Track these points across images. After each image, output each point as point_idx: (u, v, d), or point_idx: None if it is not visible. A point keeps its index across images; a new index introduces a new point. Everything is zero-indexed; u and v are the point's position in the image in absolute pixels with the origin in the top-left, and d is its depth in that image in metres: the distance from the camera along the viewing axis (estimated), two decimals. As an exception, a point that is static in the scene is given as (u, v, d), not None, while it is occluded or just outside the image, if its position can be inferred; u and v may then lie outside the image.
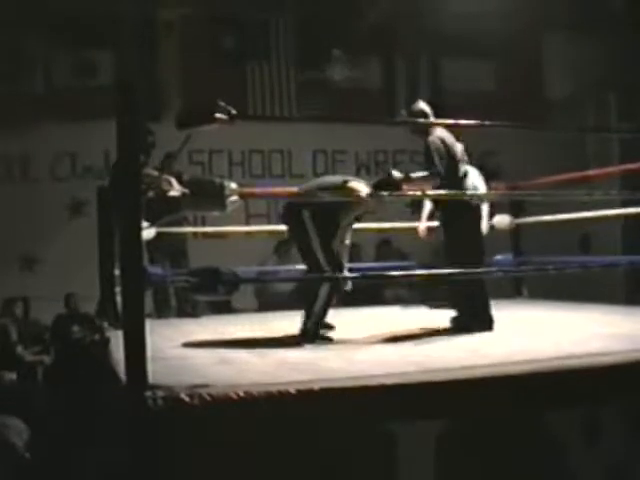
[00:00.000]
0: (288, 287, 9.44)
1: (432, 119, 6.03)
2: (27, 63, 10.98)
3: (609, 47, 11.36)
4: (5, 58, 10.87)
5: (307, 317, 5.41)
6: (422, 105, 6.06)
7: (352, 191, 5.41)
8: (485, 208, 7.81)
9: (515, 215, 8.38)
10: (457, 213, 5.75)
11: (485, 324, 5.69)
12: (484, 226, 7.73)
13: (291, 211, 5.56)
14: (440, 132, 5.89)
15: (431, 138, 5.83)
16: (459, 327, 5.73)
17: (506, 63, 12.35)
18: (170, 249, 7.67)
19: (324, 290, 5.37)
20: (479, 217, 6.22)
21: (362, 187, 5.51)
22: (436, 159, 5.75)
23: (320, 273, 5.32)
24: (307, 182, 6.15)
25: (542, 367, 3.93)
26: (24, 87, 10.93)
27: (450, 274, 5.28)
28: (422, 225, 7.30)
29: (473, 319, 5.75)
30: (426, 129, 5.90)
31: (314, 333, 5.38)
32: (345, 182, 5.55)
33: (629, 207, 7.72)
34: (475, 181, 6.88)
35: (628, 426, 4.06)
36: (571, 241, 10.92)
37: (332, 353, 4.81)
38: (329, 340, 5.40)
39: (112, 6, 9.93)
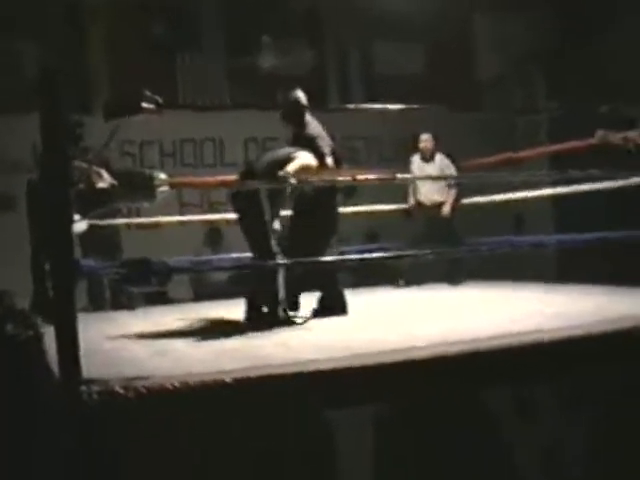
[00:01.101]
0: (224, 276, 9.42)
1: (306, 109, 6.06)
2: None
3: (536, 24, 11.51)
4: None
5: (273, 304, 5.46)
6: (299, 94, 6.09)
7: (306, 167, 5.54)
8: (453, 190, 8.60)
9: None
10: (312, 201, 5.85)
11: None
12: (447, 208, 8.53)
13: (248, 190, 5.54)
14: (314, 124, 6.02)
15: (311, 127, 5.99)
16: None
17: (435, 45, 12.42)
18: (103, 241, 7.58)
19: (281, 276, 5.43)
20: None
21: (311, 158, 5.57)
22: (324, 146, 5.92)
23: (268, 255, 5.33)
24: (252, 161, 6.05)
25: (473, 347, 3.97)
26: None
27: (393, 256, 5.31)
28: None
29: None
30: (300, 118, 5.99)
31: (287, 317, 5.50)
32: (292, 155, 5.61)
33: (558, 187, 7.84)
34: None
35: (560, 404, 4.13)
36: (505, 223, 11.06)
37: (268, 340, 4.81)
38: (299, 322, 5.52)
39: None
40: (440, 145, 8.76)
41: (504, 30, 12.05)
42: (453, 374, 3.79)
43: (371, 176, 6.12)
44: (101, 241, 7.56)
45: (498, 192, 8.31)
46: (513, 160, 8.24)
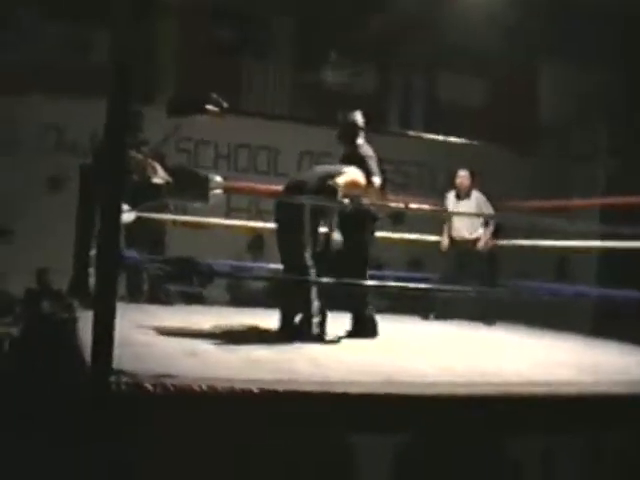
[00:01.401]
0: (261, 284, 9.42)
1: (362, 131, 6.10)
2: (21, 33, 10.91)
3: (604, 79, 11.44)
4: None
5: (308, 318, 5.46)
6: (356, 116, 6.13)
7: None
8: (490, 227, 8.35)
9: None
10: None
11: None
12: (482, 244, 8.27)
13: (292, 204, 5.56)
14: (366, 146, 6.08)
15: (364, 149, 6.03)
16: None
17: (500, 83, 12.39)
18: (148, 235, 7.63)
19: (314, 292, 5.45)
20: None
21: (360, 175, 5.65)
22: (374, 167, 5.93)
23: (301, 268, 5.35)
24: (301, 173, 6.08)
25: (502, 391, 3.94)
26: (16, 57, 10.85)
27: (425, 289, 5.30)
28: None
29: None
30: (353, 138, 6.04)
31: (321, 332, 5.52)
32: (341, 170, 5.66)
33: (606, 240, 7.78)
34: None
35: (582, 457, 4.07)
36: (548, 264, 10.99)
37: (299, 355, 4.81)
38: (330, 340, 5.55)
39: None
40: (477, 182, 8.53)
41: (571, 77, 12.00)
42: (478, 414, 3.76)
43: (423, 206, 6.12)
44: (145, 234, 7.61)
45: (546, 237, 8.21)
46: (565, 207, 8.18)
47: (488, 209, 8.25)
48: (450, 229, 8.46)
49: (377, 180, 5.91)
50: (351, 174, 5.68)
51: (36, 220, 10.32)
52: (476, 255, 8.34)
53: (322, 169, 5.85)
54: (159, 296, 7.61)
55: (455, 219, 8.42)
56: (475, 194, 8.35)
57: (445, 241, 8.43)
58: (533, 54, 12.16)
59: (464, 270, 8.23)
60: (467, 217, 8.39)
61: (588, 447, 4.04)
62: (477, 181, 8.55)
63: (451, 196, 8.49)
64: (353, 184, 5.64)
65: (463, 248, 8.35)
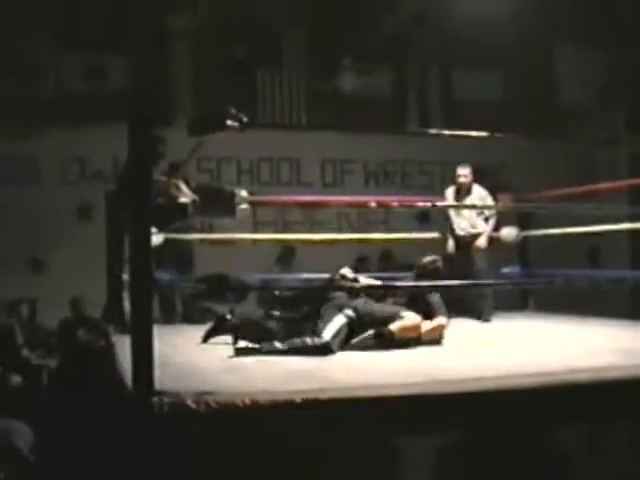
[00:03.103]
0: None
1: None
2: (37, 66, 11.02)
3: (622, 58, 11.39)
4: (15, 61, 10.92)
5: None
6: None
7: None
8: (491, 222, 8.01)
9: (522, 227, 8.35)
10: None
11: None
12: (483, 240, 7.93)
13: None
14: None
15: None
16: None
17: (516, 74, 12.37)
18: (177, 255, 7.67)
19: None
20: None
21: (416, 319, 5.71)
22: None
23: None
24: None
25: (548, 381, 3.92)
26: (34, 90, 10.96)
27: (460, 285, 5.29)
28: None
29: None
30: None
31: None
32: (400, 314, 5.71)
33: (637, 222, 7.70)
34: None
35: (630, 443, 4.03)
36: (579, 253, 10.92)
37: (338, 363, 4.81)
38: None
39: (123, 10, 9.96)
40: (480, 177, 8.20)
41: (587, 60, 11.95)
42: (523, 407, 3.74)
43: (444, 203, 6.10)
44: (174, 255, 7.64)
45: (575, 224, 8.13)
46: (592, 192, 8.09)
47: (489, 201, 7.95)
48: (452, 229, 8.12)
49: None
50: (407, 320, 5.66)
51: (68, 250, 10.41)
52: (479, 251, 7.96)
53: (381, 309, 5.80)
54: (193, 315, 7.64)
55: (454, 217, 8.11)
56: (476, 189, 8.02)
57: (450, 242, 8.11)
58: (550, 38, 12.11)
59: (465, 268, 7.77)
60: (468, 213, 8.05)
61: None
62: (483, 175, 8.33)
63: (450, 192, 8.14)
64: (407, 330, 5.62)
65: (467, 245, 8.01)
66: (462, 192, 8.04)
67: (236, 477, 3.31)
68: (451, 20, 10.96)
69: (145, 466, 3.32)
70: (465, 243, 8.03)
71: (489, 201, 7.94)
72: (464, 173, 8.05)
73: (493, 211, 8.07)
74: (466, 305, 7.81)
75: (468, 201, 7.95)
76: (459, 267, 7.66)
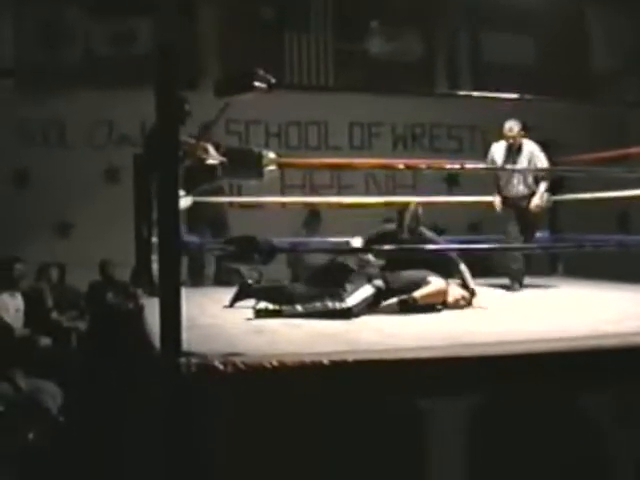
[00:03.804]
0: (321, 259, 9.42)
1: None
2: (65, 30, 11.02)
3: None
4: (43, 25, 10.93)
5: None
6: None
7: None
8: (543, 184, 7.59)
9: (553, 192, 8.19)
10: None
11: None
12: (537, 201, 7.53)
13: None
14: None
15: None
16: None
17: (547, 37, 12.23)
18: (210, 218, 7.70)
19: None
20: None
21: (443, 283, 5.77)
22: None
23: None
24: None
25: (577, 346, 3.90)
26: (62, 54, 10.98)
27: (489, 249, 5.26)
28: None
29: None
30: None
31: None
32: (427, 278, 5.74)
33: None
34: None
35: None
36: (610, 219, 10.85)
37: (366, 325, 4.81)
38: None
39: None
40: (530, 132, 7.81)
41: (618, 23, 11.79)
42: (548, 372, 3.72)
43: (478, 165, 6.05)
44: (208, 217, 7.67)
45: (606, 189, 8.04)
46: (624, 156, 7.99)
47: (542, 162, 7.54)
48: (500, 187, 7.74)
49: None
50: (434, 285, 5.69)
51: (96, 213, 10.47)
52: (533, 213, 7.61)
53: (408, 275, 5.78)
54: (223, 278, 7.66)
55: (504, 174, 7.72)
56: (527, 145, 7.60)
57: (497, 200, 7.71)
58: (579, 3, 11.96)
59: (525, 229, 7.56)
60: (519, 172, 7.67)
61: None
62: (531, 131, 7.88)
63: (499, 149, 7.68)
64: (432, 296, 5.68)
65: (519, 206, 7.63)
66: (513, 149, 7.61)
67: (263, 439, 3.32)
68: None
69: (173, 427, 3.34)
70: (515, 203, 7.66)
71: (541, 158, 7.52)
72: (508, 127, 7.60)
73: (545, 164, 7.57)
74: (503, 268, 7.72)
75: (517, 159, 7.54)
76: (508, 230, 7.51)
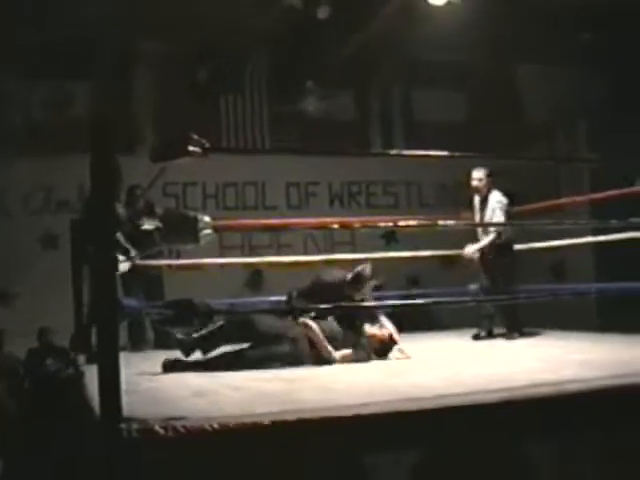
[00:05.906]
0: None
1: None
2: (1, 96, 10.97)
3: (579, 79, 11.54)
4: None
5: None
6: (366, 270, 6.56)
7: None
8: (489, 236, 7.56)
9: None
10: None
11: None
12: (467, 249, 7.57)
13: None
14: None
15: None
16: None
17: (477, 94, 12.50)
18: (144, 280, 7.66)
19: None
20: None
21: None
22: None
23: None
24: None
25: (514, 395, 3.96)
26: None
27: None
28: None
29: None
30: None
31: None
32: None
33: (599, 235, 7.79)
34: None
35: (599, 454, 4.08)
36: (543, 268, 11.03)
37: (307, 384, 4.83)
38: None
39: (86, 38, 9.98)
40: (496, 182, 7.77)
41: (546, 81, 12.09)
42: (488, 422, 3.77)
43: (411, 222, 6.17)
44: (143, 282, 7.63)
45: (540, 240, 8.19)
46: (555, 208, 8.16)
47: (497, 215, 7.47)
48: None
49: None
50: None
51: (34, 280, 10.34)
52: (496, 264, 7.57)
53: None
54: (165, 342, 7.60)
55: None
56: (493, 196, 7.60)
57: (471, 249, 7.57)
58: (509, 60, 12.25)
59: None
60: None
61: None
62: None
63: (476, 199, 7.75)
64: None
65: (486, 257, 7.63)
66: (481, 198, 7.68)
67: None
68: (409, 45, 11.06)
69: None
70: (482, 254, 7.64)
71: (497, 210, 7.50)
72: (475, 177, 7.64)
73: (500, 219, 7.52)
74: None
75: (486, 209, 7.58)
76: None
